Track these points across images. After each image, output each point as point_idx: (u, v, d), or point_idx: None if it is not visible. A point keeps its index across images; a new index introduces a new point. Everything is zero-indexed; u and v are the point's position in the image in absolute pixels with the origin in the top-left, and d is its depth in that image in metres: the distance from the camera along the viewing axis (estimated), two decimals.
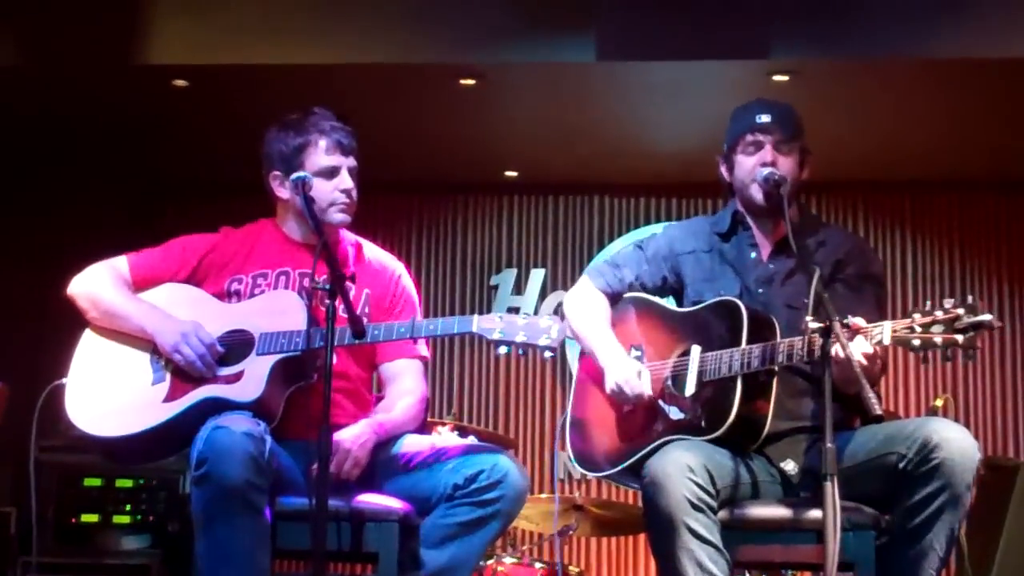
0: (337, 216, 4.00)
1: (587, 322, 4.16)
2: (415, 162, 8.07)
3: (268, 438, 3.52)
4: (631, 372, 3.92)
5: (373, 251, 4.22)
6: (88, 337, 3.99)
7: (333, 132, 4.00)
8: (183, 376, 3.81)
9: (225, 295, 3.99)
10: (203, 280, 4.03)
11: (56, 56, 6.62)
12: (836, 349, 3.40)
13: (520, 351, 3.64)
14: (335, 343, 3.65)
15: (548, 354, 3.65)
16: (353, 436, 3.76)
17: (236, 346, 3.82)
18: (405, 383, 4.03)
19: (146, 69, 6.80)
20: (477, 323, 3.63)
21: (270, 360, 3.73)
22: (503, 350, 3.64)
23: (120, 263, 4.05)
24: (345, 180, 3.99)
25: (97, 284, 3.98)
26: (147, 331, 3.87)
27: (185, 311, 3.90)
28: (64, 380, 3.91)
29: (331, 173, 3.98)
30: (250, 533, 3.48)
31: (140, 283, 4.02)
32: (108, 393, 3.86)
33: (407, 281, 4.19)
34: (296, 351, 3.70)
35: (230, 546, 3.47)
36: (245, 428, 3.48)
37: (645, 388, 3.89)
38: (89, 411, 3.82)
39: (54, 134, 7.50)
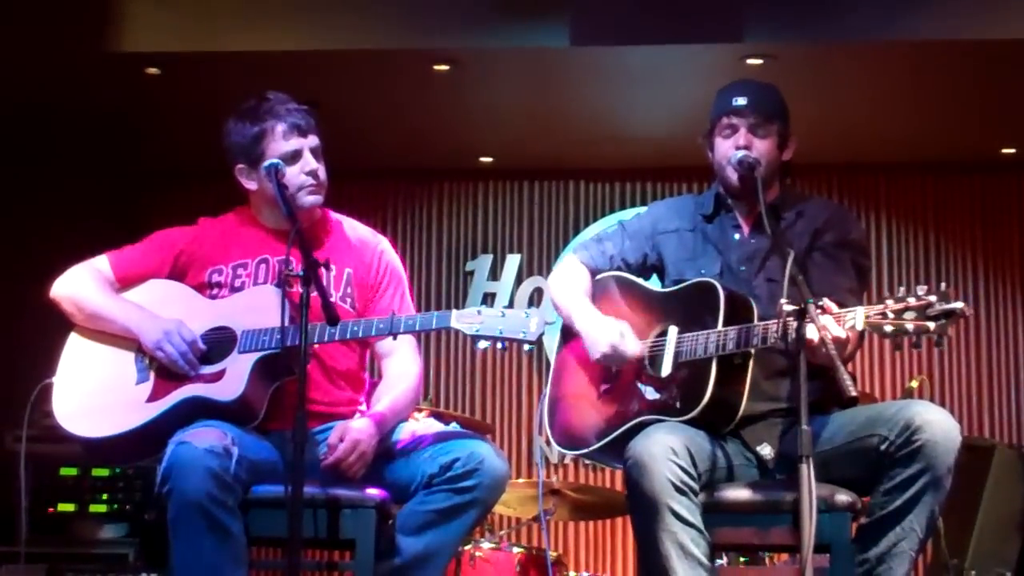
0: (308, 199, 3.95)
1: (567, 293, 4.16)
2: (389, 148, 8.06)
3: (235, 450, 3.52)
4: (615, 335, 3.91)
5: (354, 228, 4.18)
6: (74, 339, 3.98)
7: (288, 115, 3.94)
8: (166, 375, 3.80)
9: (207, 287, 3.97)
10: (184, 272, 4.01)
11: (25, 44, 6.57)
12: (811, 331, 3.41)
13: (500, 345, 3.63)
14: (316, 340, 3.68)
15: (528, 347, 3.65)
16: (359, 429, 3.74)
17: (219, 344, 3.81)
18: (400, 360, 4.00)
19: (118, 57, 6.76)
20: (456, 318, 3.61)
21: (251, 358, 3.73)
22: (483, 344, 3.63)
23: (101, 263, 4.03)
24: (309, 162, 3.93)
25: (79, 287, 3.96)
26: (131, 330, 3.86)
27: (170, 309, 3.89)
28: (52, 380, 3.91)
29: (294, 157, 3.92)
30: (217, 552, 3.48)
31: (123, 281, 4.01)
32: (92, 393, 3.86)
33: (390, 256, 4.14)
34: (276, 348, 3.67)
35: (197, 563, 3.49)
36: (208, 444, 3.49)
37: (631, 348, 3.88)
38: (73, 411, 3.83)
39: (24, 124, 7.45)
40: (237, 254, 4.01)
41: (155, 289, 3.99)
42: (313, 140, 3.97)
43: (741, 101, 4.01)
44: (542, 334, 3.61)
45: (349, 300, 3.99)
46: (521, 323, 3.58)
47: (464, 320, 3.61)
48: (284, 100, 3.99)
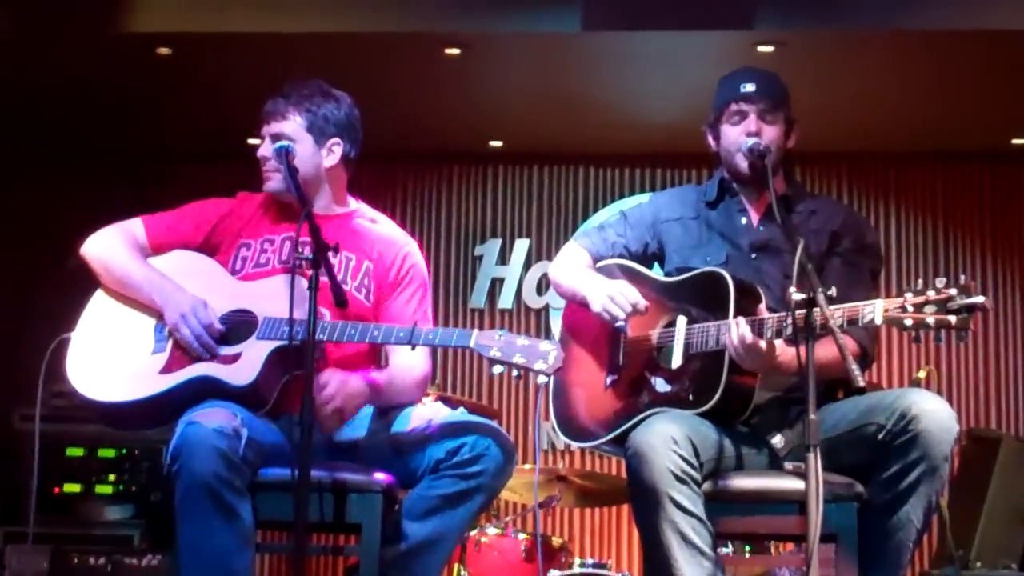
0: (265, 184, 4.03)
1: (569, 272, 4.16)
2: (399, 132, 8.04)
3: (244, 432, 3.51)
4: (615, 288, 3.90)
5: (385, 226, 4.16)
6: (98, 297, 3.98)
7: (269, 102, 4.01)
8: (183, 349, 3.80)
9: (235, 260, 3.98)
10: (218, 245, 4.02)
11: (37, 25, 6.57)
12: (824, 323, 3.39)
13: (515, 372, 3.61)
14: (334, 339, 3.69)
15: (542, 379, 3.63)
16: (343, 380, 3.72)
17: (239, 327, 3.81)
18: (407, 358, 3.95)
19: (130, 37, 6.76)
20: (475, 339, 3.61)
21: (268, 346, 3.72)
22: (497, 369, 3.61)
23: (135, 226, 4.04)
24: (262, 148, 4.00)
25: (110, 249, 3.96)
26: (156, 303, 3.86)
27: (196, 283, 3.88)
28: (70, 335, 3.90)
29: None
30: (224, 533, 3.49)
31: (155, 247, 4.01)
32: (108, 356, 3.85)
33: (416, 258, 4.10)
34: (295, 341, 3.62)
35: (203, 544, 3.49)
36: (217, 424, 3.48)
37: (633, 294, 3.87)
38: (86, 371, 3.81)
39: (37, 103, 7.46)
40: (266, 229, 4.03)
41: (183, 260, 3.99)
42: (273, 127, 3.99)
43: (750, 87, 3.99)
44: (559, 368, 3.59)
45: (364, 291, 3.97)
46: (539, 354, 3.56)
47: (483, 341, 3.59)
48: (291, 85, 4.04)
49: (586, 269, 4.13)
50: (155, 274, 3.92)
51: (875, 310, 3.43)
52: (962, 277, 3.36)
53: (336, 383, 3.69)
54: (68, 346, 3.87)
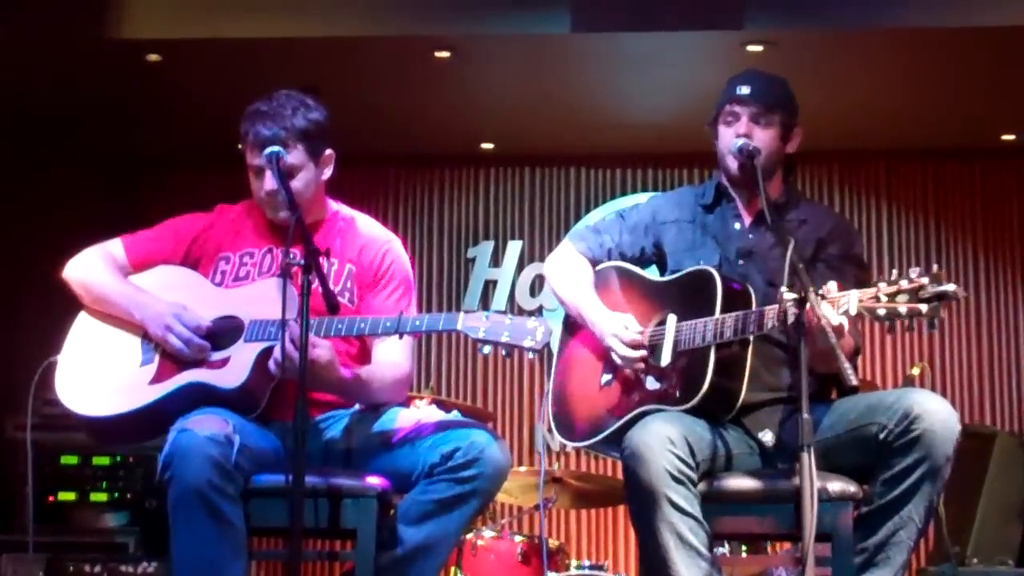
0: (268, 214, 3.95)
1: (571, 285, 4.16)
2: (390, 135, 8.05)
3: (236, 439, 3.51)
4: (619, 324, 3.91)
5: (366, 226, 4.13)
6: (82, 319, 3.98)
7: (263, 127, 3.83)
8: (171, 358, 3.80)
9: (214, 273, 3.96)
10: (198, 260, 4.00)
11: (26, 31, 6.56)
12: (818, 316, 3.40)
13: (503, 351, 3.59)
14: (321, 335, 3.66)
15: (531, 355, 3.61)
16: (331, 360, 3.68)
17: (226, 332, 3.80)
18: (388, 356, 3.94)
19: (118, 44, 6.76)
20: (462, 321, 3.58)
21: (256, 348, 3.71)
22: (486, 349, 3.59)
23: (115, 247, 4.02)
24: (266, 182, 3.84)
25: (90, 270, 3.96)
26: (136, 318, 3.86)
27: (178, 295, 3.87)
28: (57, 358, 3.90)
29: (257, 172, 3.88)
30: (217, 541, 3.48)
31: (136, 266, 4.00)
32: (96, 373, 3.85)
33: (397, 254, 4.09)
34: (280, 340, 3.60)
35: (197, 552, 3.48)
36: (210, 432, 3.48)
37: (635, 338, 3.87)
38: (76, 389, 3.82)
39: (25, 110, 7.44)
40: (246, 242, 4.01)
41: (165, 275, 3.98)
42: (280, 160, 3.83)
43: (745, 90, 4.01)
44: (547, 344, 3.58)
45: (348, 295, 3.95)
46: (526, 331, 3.54)
47: (470, 323, 3.57)
48: (276, 101, 3.89)
49: (590, 289, 4.13)
50: (131, 289, 3.93)
51: (850, 300, 3.45)
52: (934, 266, 3.39)
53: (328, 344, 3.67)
54: (55, 369, 3.87)
